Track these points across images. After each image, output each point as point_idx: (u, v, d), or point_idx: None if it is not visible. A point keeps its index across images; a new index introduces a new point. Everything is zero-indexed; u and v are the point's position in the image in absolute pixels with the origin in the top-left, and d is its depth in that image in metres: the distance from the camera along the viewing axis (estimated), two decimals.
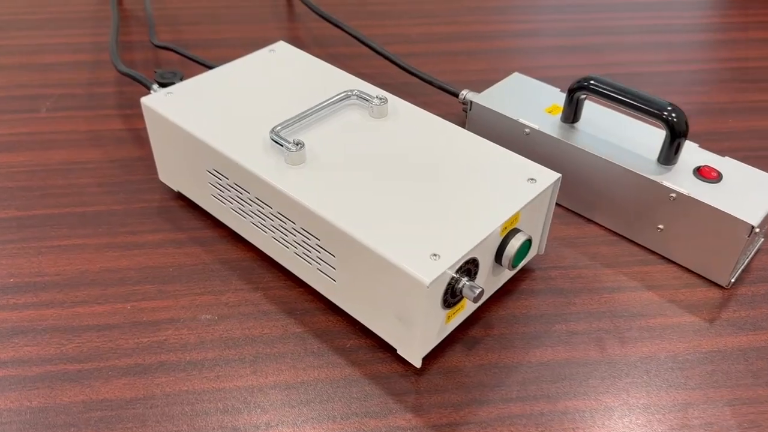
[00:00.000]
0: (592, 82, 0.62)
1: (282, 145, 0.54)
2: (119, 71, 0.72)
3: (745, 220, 0.55)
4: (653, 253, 0.62)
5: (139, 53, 0.88)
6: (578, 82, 0.63)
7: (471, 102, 0.69)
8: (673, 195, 0.58)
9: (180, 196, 0.66)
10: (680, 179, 0.59)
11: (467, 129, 0.70)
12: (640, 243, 0.63)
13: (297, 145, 0.54)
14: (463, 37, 0.95)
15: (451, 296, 0.49)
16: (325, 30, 0.95)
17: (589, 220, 0.66)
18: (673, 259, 0.61)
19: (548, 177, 0.54)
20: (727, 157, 0.61)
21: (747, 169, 0.60)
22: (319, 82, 0.64)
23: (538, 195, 0.53)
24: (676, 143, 0.59)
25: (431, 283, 0.45)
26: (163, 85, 0.66)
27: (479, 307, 0.56)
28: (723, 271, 0.58)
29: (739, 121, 0.79)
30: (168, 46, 0.80)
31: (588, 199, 0.65)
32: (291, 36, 0.94)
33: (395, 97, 0.63)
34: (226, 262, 0.60)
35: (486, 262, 0.51)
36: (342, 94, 0.61)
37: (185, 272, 0.59)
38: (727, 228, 0.56)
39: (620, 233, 0.64)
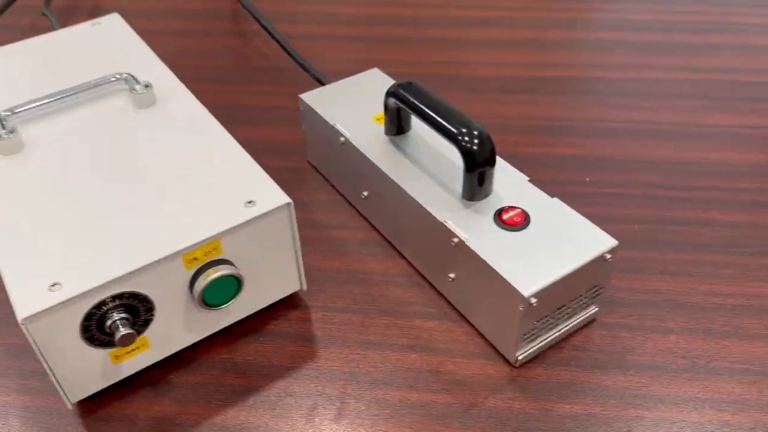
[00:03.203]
0: (400, 89, 0.50)
1: None
2: None
3: (516, 287, 0.42)
4: (452, 307, 0.50)
5: (36, 18, 0.85)
6: (393, 86, 0.51)
7: (300, 99, 0.59)
8: (455, 240, 0.46)
9: None
10: (471, 221, 0.46)
11: (303, 130, 0.61)
12: (441, 292, 0.51)
13: (11, 133, 0.48)
14: (398, 22, 0.84)
15: (103, 334, 0.41)
16: None
17: (402, 255, 0.54)
18: (468, 318, 0.49)
19: (272, 201, 0.44)
20: (555, 199, 0.48)
21: (569, 217, 0.46)
22: (112, 65, 0.57)
23: (250, 221, 0.43)
24: (475, 175, 0.47)
25: (26, 319, 0.37)
26: None
27: (198, 346, 0.48)
28: (508, 345, 0.45)
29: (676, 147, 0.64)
30: (48, 15, 0.76)
31: (395, 231, 0.54)
32: (214, 8, 0.87)
33: (181, 85, 0.55)
34: None
35: (173, 299, 0.43)
36: (105, 78, 0.53)
37: None
38: (504, 294, 0.43)
39: (425, 276, 0.52)
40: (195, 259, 0.42)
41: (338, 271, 0.53)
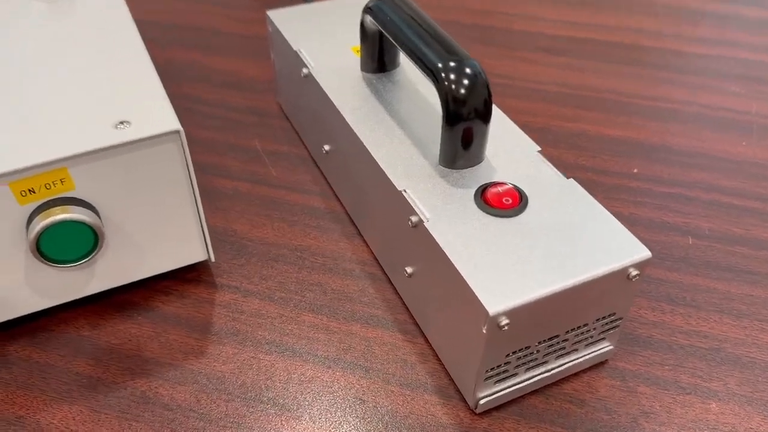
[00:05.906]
0: (380, 3, 0.36)
1: None
2: None
3: (480, 298, 0.27)
4: (409, 313, 0.36)
5: None
6: (372, 0, 0.37)
7: (268, 17, 0.46)
8: (414, 219, 0.32)
9: None
10: (442, 195, 0.32)
11: (273, 60, 0.47)
12: (398, 291, 0.37)
13: None
14: None
15: None
16: None
17: (361, 234, 0.40)
18: (424, 332, 0.35)
19: (153, 126, 0.31)
20: (571, 180, 0.33)
21: (585, 209, 0.31)
22: None
23: (114, 149, 0.30)
24: (458, 131, 0.32)
25: None
26: None
27: (57, 314, 0.35)
28: (467, 380, 0.31)
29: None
30: None
31: (355, 201, 0.40)
32: None
33: None
34: None
35: (5, 245, 0.30)
36: None
37: None
38: (465, 306, 0.29)
39: (383, 266, 0.38)
40: (31, 191, 0.29)
41: (272, 245, 0.40)
